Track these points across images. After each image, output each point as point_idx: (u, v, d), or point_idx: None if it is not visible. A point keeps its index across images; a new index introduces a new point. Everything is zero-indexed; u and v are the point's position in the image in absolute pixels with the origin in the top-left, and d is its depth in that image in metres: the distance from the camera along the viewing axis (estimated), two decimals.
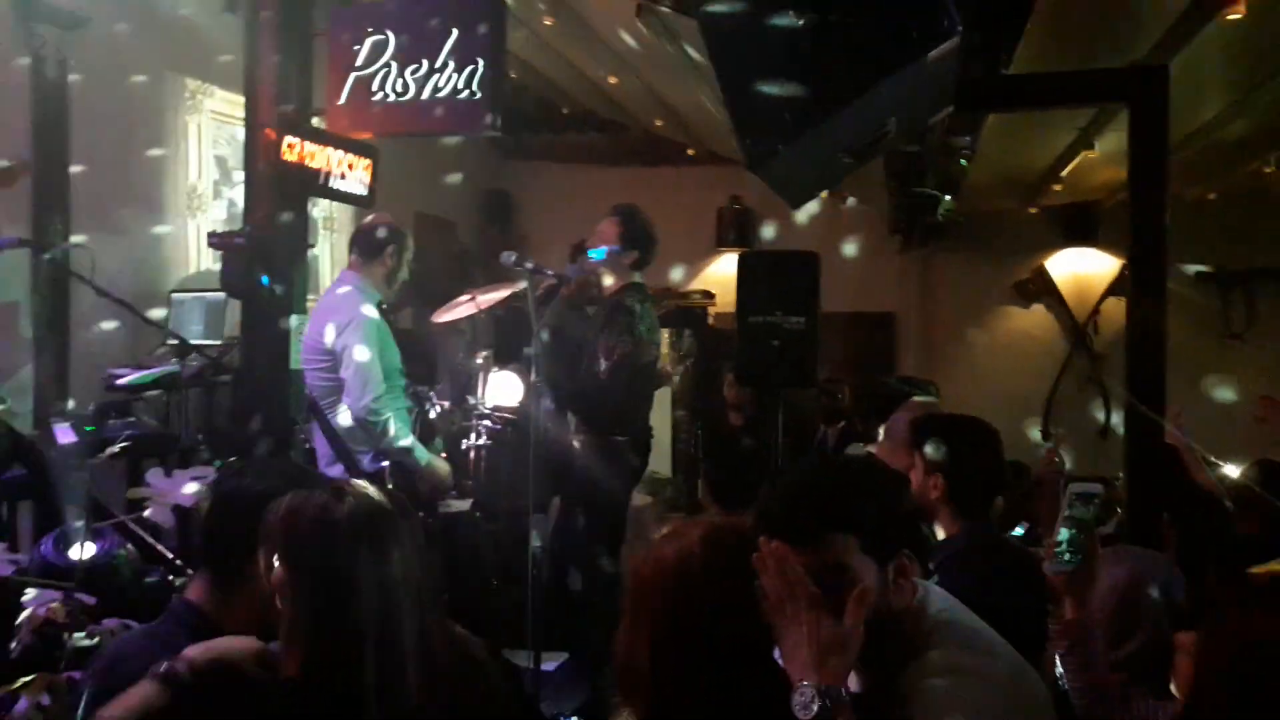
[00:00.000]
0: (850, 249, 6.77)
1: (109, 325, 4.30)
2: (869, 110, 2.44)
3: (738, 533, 1.56)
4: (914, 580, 1.53)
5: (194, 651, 1.63)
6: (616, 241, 4.00)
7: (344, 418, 3.64)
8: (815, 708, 1.35)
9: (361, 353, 3.59)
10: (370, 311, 3.69)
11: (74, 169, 4.43)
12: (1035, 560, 2.01)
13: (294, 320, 3.97)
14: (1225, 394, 5.67)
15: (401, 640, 1.61)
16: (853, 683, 1.50)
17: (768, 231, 7.70)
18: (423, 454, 3.73)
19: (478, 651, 1.80)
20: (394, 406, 3.70)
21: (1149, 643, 1.96)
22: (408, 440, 3.68)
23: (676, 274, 7.57)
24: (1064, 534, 1.76)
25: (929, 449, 2.36)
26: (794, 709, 1.37)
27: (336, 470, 3.69)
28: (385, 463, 3.67)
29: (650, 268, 4.25)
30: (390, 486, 3.43)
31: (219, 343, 4.45)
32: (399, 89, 4.18)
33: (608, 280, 4.08)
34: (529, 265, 3.72)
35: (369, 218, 4.04)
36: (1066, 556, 1.76)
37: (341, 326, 3.63)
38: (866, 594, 1.43)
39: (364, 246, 3.82)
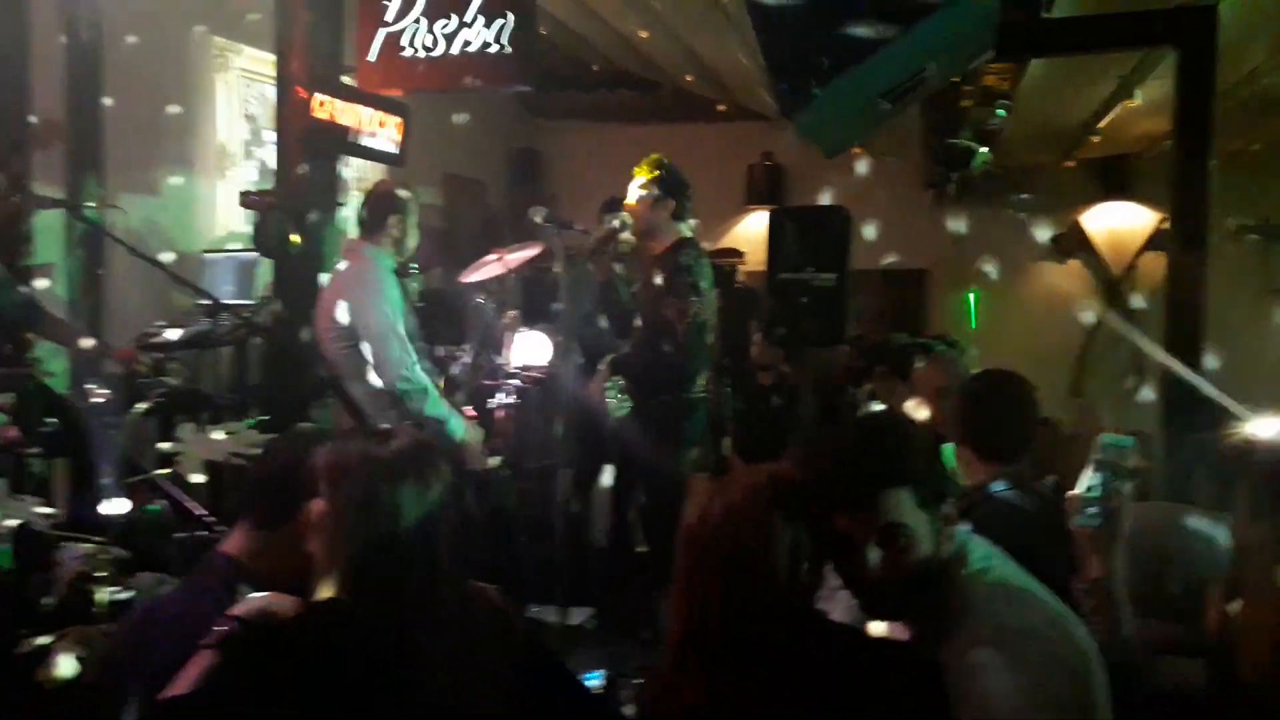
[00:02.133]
0: (882, 205, 6.68)
1: (142, 285, 4.35)
2: (907, 53, 2.38)
3: (779, 479, 1.57)
4: (953, 529, 1.56)
5: (240, 610, 1.63)
6: (650, 197, 3.92)
7: (362, 388, 3.63)
8: None
9: (382, 324, 3.54)
10: (386, 280, 3.64)
11: (107, 130, 4.46)
12: (1062, 510, 1.98)
13: (325, 279, 3.97)
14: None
15: (441, 566, 1.66)
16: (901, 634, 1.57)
17: (799, 188, 7.62)
18: (458, 428, 3.67)
19: (498, 600, 1.82)
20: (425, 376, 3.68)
21: (1188, 593, 1.92)
22: (442, 412, 3.65)
23: (706, 231, 7.51)
24: (1090, 487, 1.73)
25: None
26: None
27: None
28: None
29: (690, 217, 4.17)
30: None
31: (251, 302, 4.48)
32: (428, 44, 4.14)
33: (652, 240, 4.00)
34: (559, 222, 3.69)
35: (373, 187, 3.98)
36: (1093, 510, 1.73)
37: (358, 300, 3.57)
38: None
39: (368, 218, 3.77)
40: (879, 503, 1.49)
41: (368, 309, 3.55)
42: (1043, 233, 7.62)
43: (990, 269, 7.42)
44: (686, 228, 3.97)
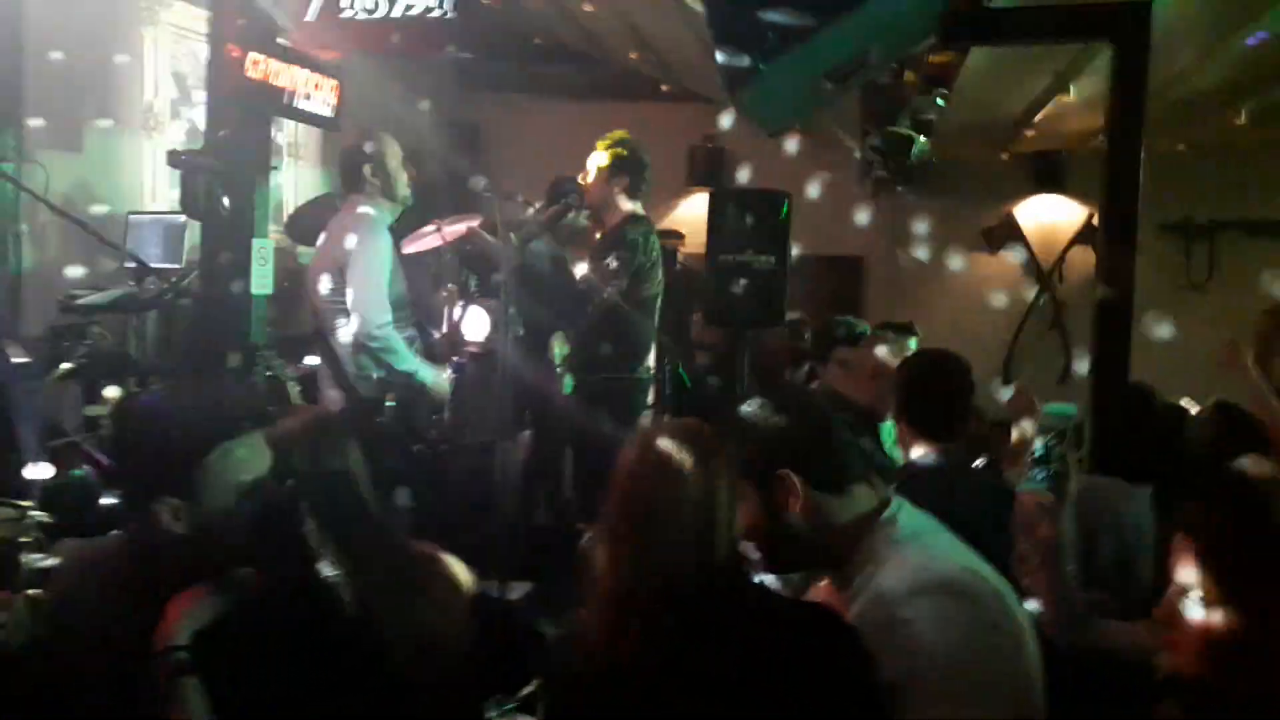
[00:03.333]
0: (820, 192, 6.74)
1: (64, 245, 4.19)
2: (852, 33, 2.40)
3: (695, 428, 1.62)
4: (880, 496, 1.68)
5: (168, 631, 1.58)
6: (603, 174, 3.97)
7: (342, 336, 3.58)
8: None
9: (369, 276, 3.53)
10: (376, 234, 3.61)
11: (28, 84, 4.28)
12: (996, 487, 2.04)
13: (256, 244, 3.87)
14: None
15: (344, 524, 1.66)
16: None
17: (739, 172, 7.64)
18: (427, 374, 3.69)
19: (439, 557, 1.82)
20: (398, 335, 3.65)
21: (1118, 563, 1.98)
22: (411, 364, 3.63)
23: (647, 212, 7.48)
24: (1037, 450, 1.78)
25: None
26: None
27: (335, 394, 3.64)
28: (387, 393, 3.61)
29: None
30: (391, 412, 3.45)
31: (178, 266, 4.35)
32: (369, 6, 4.06)
33: (604, 216, 4.03)
34: (499, 193, 3.66)
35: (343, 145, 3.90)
36: (1041, 475, 1.78)
37: (352, 247, 3.55)
38: None
39: (344, 178, 3.73)
40: (775, 481, 1.63)
41: (354, 261, 3.52)
42: (975, 224, 7.78)
43: (922, 256, 7.56)
44: (638, 206, 4.00)
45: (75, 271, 4.19)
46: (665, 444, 1.55)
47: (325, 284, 3.64)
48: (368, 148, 3.71)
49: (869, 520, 1.65)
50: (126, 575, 1.71)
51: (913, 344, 4.13)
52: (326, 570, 1.60)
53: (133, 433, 1.75)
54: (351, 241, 3.58)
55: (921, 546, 1.62)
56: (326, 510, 1.65)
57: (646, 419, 4.06)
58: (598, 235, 4.17)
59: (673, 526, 1.50)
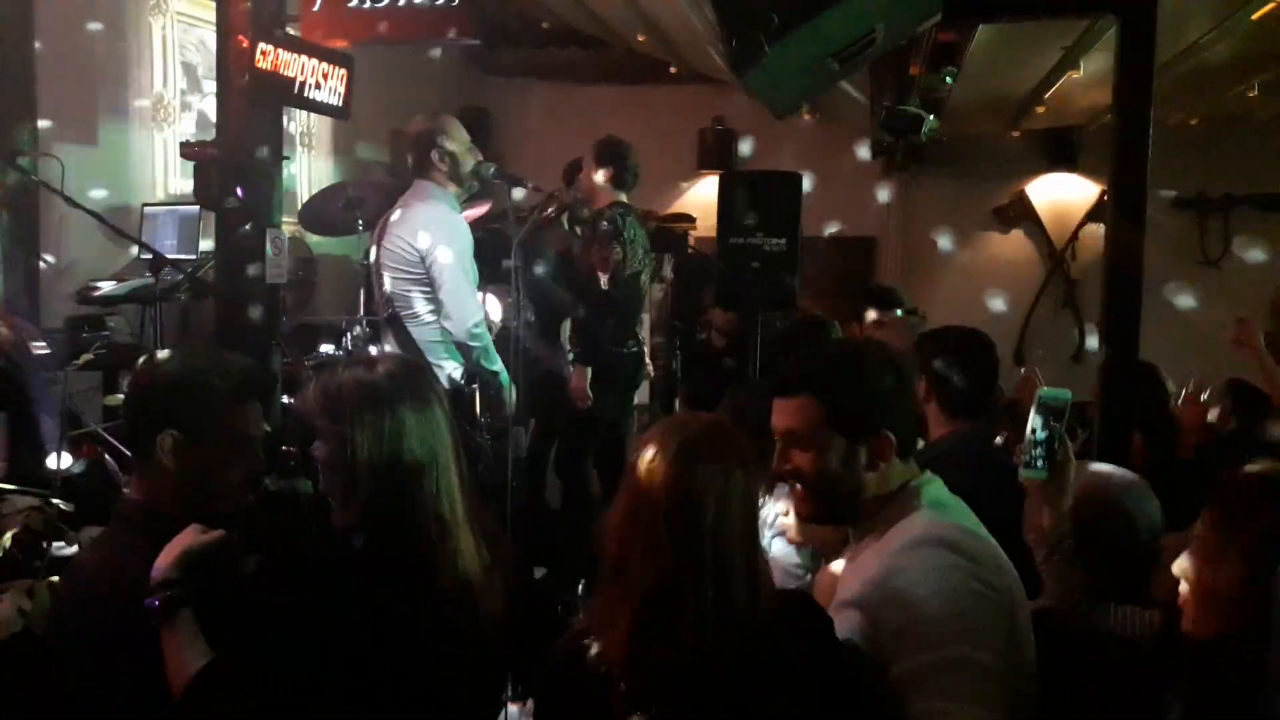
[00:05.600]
0: (833, 172, 6.73)
1: (80, 237, 4.23)
2: (857, 13, 2.40)
3: (720, 423, 1.59)
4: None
5: (161, 565, 1.61)
6: (591, 165, 4.16)
7: (423, 330, 3.59)
8: None
9: (463, 275, 3.56)
10: (457, 223, 3.63)
11: (41, 78, 4.31)
12: (1013, 466, 2.04)
13: (270, 233, 3.90)
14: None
15: (454, 483, 1.70)
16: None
17: (750, 153, 7.63)
18: (506, 378, 3.70)
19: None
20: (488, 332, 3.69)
21: (1124, 551, 1.98)
22: (498, 363, 3.66)
23: (657, 196, 7.50)
24: (1034, 430, 1.79)
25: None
26: None
27: None
28: (466, 380, 3.63)
29: (636, 188, 4.33)
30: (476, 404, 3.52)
31: (193, 257, 4.39)
32: None
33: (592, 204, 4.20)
34: (509, 178, 3.69)
35: (409, 129, 3.90)
36: (1039, 463, 1.79)
37: (436, 240, 3.54)
38: None
39: (414, 162, 3.74)
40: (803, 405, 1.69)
41: (444, 253, 3.52)
42: (988, 202, 7.75)
43: (934, 236, 7.54)
44: (622, 194, 4.15)
45: (92, 263, 4.24)
46: (695, 451, 1.48)
47: (402, 269, 3.62)
48: (429, 127, 3.73)
49: (904, 487, 1.72)
50: (134, 534, 1.75)
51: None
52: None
53: (151, 373, 1.80)
54: (431, 234, 3.56)
55: (933, 513, 1.69)
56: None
57: (643, 394, 4.22)
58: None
59: (720, 539, 1.45)
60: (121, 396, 3.06)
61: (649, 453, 1.49)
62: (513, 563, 1.85)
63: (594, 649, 1.46)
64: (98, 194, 4.45)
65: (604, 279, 4.02)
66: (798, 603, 1.63)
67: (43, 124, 4.34)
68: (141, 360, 1.92)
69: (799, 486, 1.75)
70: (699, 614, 1.42)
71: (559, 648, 1.53)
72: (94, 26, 4.66)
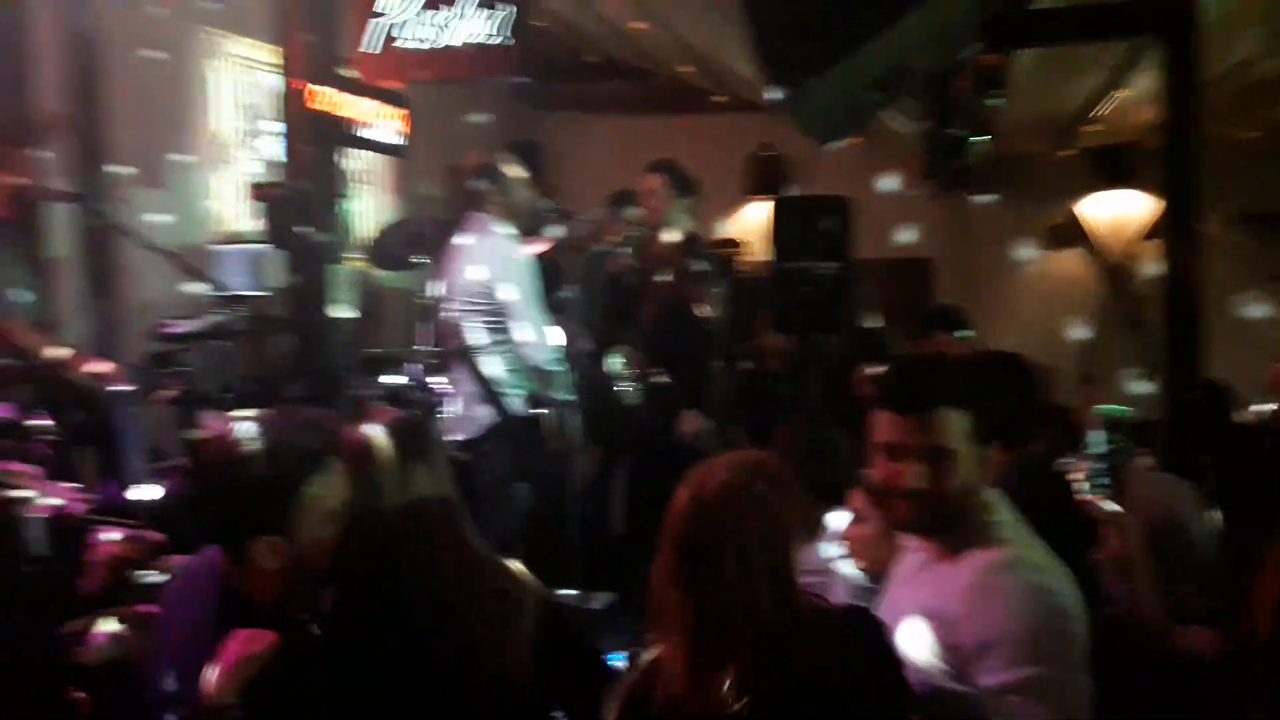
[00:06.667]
0: (882, 195, 6.74)
1: (153, 277, 4.39)
2: (896, 44, 2.45)
3: (767, 462, 1.65)
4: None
5: (214, 686, 1.58)
6: (666, 194, 4.17)
7: (498, 363, 3.69)
8: None
9: (531, 303, 3.65)
10: (526, 258, 3.72)
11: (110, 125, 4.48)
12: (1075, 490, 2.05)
13: (335, 269, 4.03)
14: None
15: (436, 541, 1.68)
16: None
17: (798, 179, 7.67)
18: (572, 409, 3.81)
19: (520, 574, 1.84)
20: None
21: (1196, 571, 1.97)
22: (570, 389, 3.75)
23: (705, 222, 7.54)
24: (1095, 444, 1.80)
25: None
26: None
27: (483, 411, 3.74)
28: (539, 408, 3.74)
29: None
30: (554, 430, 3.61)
31: (262, 293, 4.53)
32: (425, 35, 4.20)
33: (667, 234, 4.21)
34: (562, 212, 3.79)
35: (462, 164, 4.03)
36: (1101, 474, 1.80)
37: (502, 274, 3.65)
38: None
39: (468, 195, 3.85)
40: (933, 420, 1.71)
41: (513, 285, 3.62)
42: (1042, 222, 7.68)
43: (989, 257, 7.50)
44: (691, 222, 4.18)
45: (165, 303, 4.39)
46: (722, 486, 1.56)
47: (471, 302, 3.71)
48: (485, 162, 3.84)
49: (982, 501, 1.77)
50: (226, 599, 1.78)
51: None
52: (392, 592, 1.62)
53: (216, 477, 1.80)
54: (495, 268, 3.66)
55: (1014, 533, 1.77)
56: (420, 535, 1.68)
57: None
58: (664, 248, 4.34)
59: (743, 570, 1.52)
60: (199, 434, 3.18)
61: (678, 498, 1.58)
62: (536, 601, 1.81)
63: (658, 689, 1.53)
64: (166, 234, 4.61)
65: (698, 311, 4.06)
66: (853, 614, 1.68)
67: (112, 169, 4.51)
68: (192, 446, 1.91)
69: (906, 499, 1.77)
70: (739, 647, 1.49)
71: (627, 687, 1.58)
72: (157, 72, 4.83)
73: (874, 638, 1.62)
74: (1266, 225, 7.15)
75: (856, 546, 2.20)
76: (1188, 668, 1.87)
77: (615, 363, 4.41)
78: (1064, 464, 2.28)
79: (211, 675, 1.59)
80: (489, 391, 3.71)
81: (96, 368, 3.35)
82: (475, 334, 3.69)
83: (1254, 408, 3.58)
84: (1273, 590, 1.50)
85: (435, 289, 3.90)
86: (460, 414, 3.84)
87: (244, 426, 1.77)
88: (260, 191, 4.27)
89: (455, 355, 3.81)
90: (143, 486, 2.69)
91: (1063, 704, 1.60)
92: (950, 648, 1.67)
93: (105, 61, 4.45)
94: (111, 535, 2.38)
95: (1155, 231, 7.22)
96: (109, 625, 2.13)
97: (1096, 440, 1.81)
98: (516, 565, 1.87)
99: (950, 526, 1.77)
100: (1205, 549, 1.98)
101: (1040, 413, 2.43)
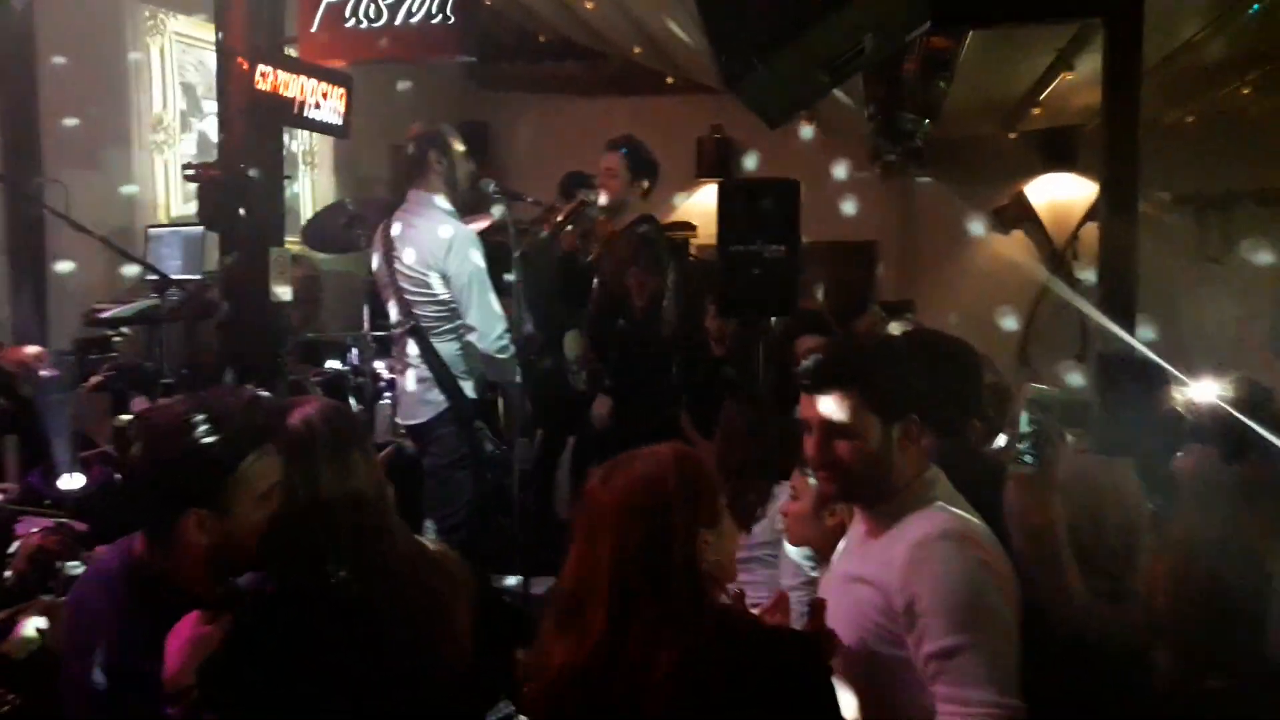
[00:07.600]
0: (830, 177, 6.75)
1: (85, 261, 4.27)
2: (845, 25, 2.44)
3: (699, 458, 1.68)
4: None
5: (173, 671, 1.58)
6: (626, 175, 4.11)
7: (450, 346, 3.62)
8: None
9: (484, 289, 3.58)
10: (473, 238, 3.65)
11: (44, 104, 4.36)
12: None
13: (274, 252, 3.94)
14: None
15: (366, 530, 1.66)
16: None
17: (748, 161, 7.66)
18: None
19: (452, 561, 1.83)
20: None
21: (1124, 551, 2.00)
22: (518, 376, 3.70)
23: (657, 204, 7.52)
24: (1022, 434, 1.84)
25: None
26: None
27: (435, 396, 3.66)
28: (486, 392, 3.68)
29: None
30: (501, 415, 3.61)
31: (198, 277, 4.43)
32: (371, 14, 4.11)
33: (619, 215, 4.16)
34: (509, 193, 3.73)
35: (409, 133, 3.96)
36: (1027, 458, 1.84)
37: (444, 255, 3.57)
38: None
39: (412, 162, 3.78)
40: (843, 396, 1.80)
41: (462, 264, 3.54)
42: (987, 204, 7.76)
43: (934, 239, 7.56)
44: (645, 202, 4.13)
45: (96, 288, 4.28)
46: (656, 465, 1.62)
47: (418, 284, 3.64)
48: (433, 130, 3.77)
49: (920, 476, 1.85)
50: (141, 587, 1.75)
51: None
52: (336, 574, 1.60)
53: (158, 448, 1.76)
54: (443, 250, 3.58)
55: (950, 505, 1.84)
56: (344, 516, 1.66)
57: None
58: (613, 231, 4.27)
59: (637, 541, 1.57)
60: (128, 419, 3.10)
61: (587, 488, 1.66)
62: (470, 585, 1.81)
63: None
64: (101, 217, 4.49)
65: (638, 303, 3.98)
66: (791, 638, 1.71)
67: (48, 149, 4.38)
68: (134, 421, 1.89)
69: (826, 471, 1.86)
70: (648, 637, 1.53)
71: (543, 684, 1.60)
72: (92, 51, 4.70)
73: (805, 667, 1.62)
74: (1200, 208, 7.30)
75: (790, 522, 2.24)
76: (1106, 654, 1.89)
77: (566, 346, 4.38)
78: (997, 446, 2.30)
79: (169, 659, 1.59)
80: (436, 375, 3.65)
81: (22, 353, 3.25)
82: (420, 316, 3.64)
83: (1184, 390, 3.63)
84: (1166, 563, 1.58)
85: (376, 270, 3.83)
86: (405, 398, 3.79)
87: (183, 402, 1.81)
88: (194, 173, 4.16)
89: (400, 338, 3.75)
90: (68, 476, 2.62)
91: (994, 671, 1.66)
92: (887, 615, 1.74)
93: (38, 39, 4.31)
94: (35, 526, 2.31)
95: (1094, 214, 7.38)
96: (32, 619, 2.07)
97: (1024, 420, 1.83)
98: (452, 554, 1.85)
99: (883, 498, 1.85)
100: (1134, 528, 2.01)
101: (976, 394, 2.44)
